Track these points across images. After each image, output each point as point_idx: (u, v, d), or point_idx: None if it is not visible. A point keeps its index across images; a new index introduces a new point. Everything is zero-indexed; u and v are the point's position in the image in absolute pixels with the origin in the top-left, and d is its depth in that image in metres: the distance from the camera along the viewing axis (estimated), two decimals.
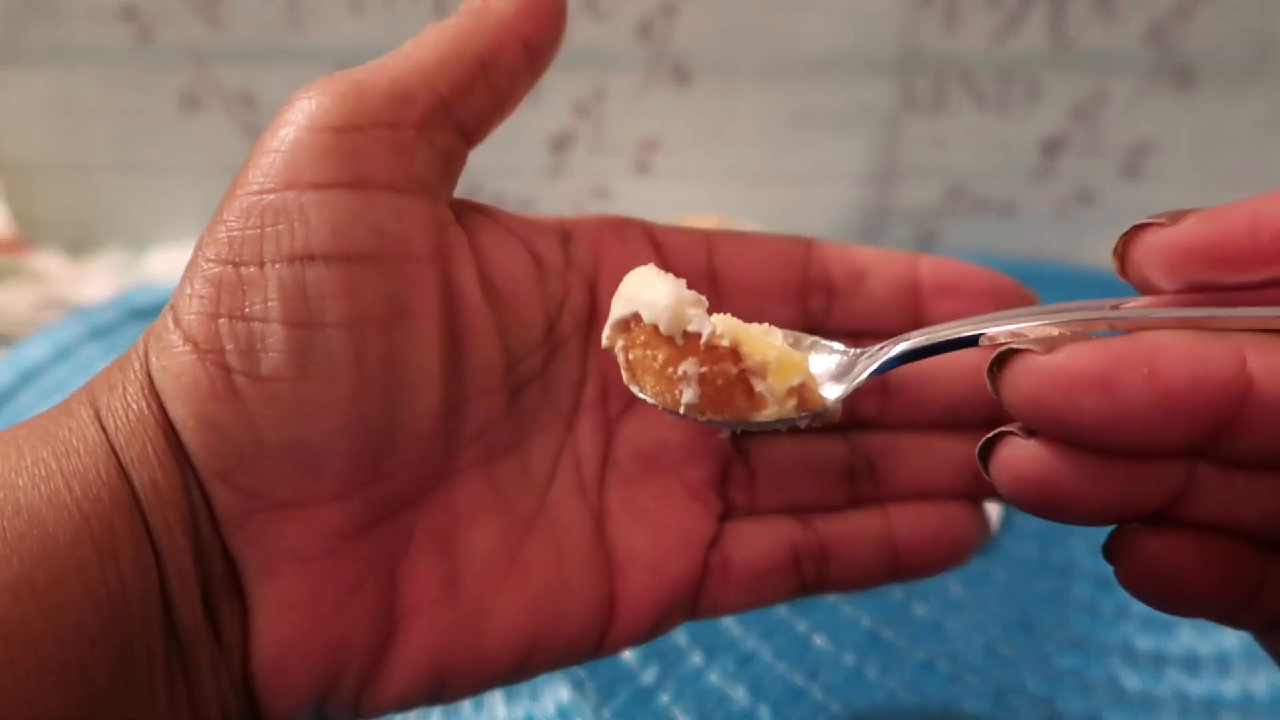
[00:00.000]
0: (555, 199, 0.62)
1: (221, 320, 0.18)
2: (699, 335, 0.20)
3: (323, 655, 0.20)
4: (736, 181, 0.62)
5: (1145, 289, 0.19)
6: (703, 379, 0.20)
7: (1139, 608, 0.36)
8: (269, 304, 0.18)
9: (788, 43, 0.57)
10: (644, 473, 0.24)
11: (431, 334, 0.20)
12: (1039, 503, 0.17)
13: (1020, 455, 0.17)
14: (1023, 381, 0.16)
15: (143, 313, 0.53)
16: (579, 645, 0.23)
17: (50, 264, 0.60)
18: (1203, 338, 0.16)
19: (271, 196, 0.19)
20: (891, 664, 0.33)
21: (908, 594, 0.36)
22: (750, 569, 0.24)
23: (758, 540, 0.24)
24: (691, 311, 0.20)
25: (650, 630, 0.24)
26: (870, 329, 0.26)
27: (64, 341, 0.50)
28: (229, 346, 0.18)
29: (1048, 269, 0.62)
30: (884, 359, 0.21)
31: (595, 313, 0.24)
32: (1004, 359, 0.17)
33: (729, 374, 0.20)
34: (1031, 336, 0.17)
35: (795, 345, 0.23)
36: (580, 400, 0.24)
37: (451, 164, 0.21)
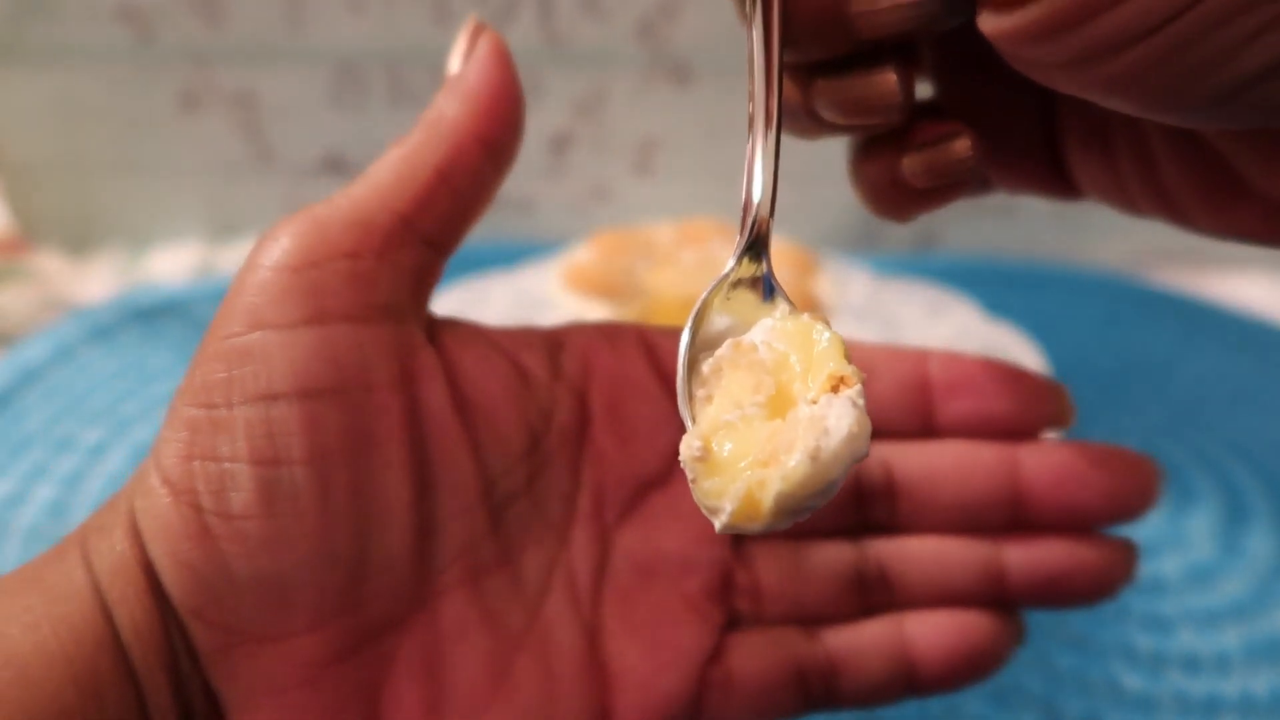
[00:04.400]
0: (555, 199, 0.62)
1: (195, 462, 0.19)
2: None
3: None
4: (736, 181, 0.62)
5: None
6: None
7: (1139, 607, 0.36)
8: (237, 444, 0.19)
9: None
10: (641, 584, 0.24)
11: (399, 460, 0.20)
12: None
13: None
14: None
15: (143, 313, 0.53)
16: None
17: (50, 264, 0.60)
18: None
19: (238, 340, 0.19)
20: None
21: None
22: (753, 684, 0.23)
23: (761, 654, 0.24)
24: (861, 408, 0.18)
25: None
26: (875, 430, 0.25)
27: (64, 341, 0.50)
28: (201, 488, 0.19)
29: (1048, 269, 0.62)
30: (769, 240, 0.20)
31: (585, 424, 0.24)
32: None
33: None
34: None
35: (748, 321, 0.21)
36: (573, 512, 0.23)
37: (424, 278, 0.22)
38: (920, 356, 0.25)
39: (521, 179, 0.61)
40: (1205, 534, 0.40)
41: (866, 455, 0.18)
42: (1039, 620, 0.35)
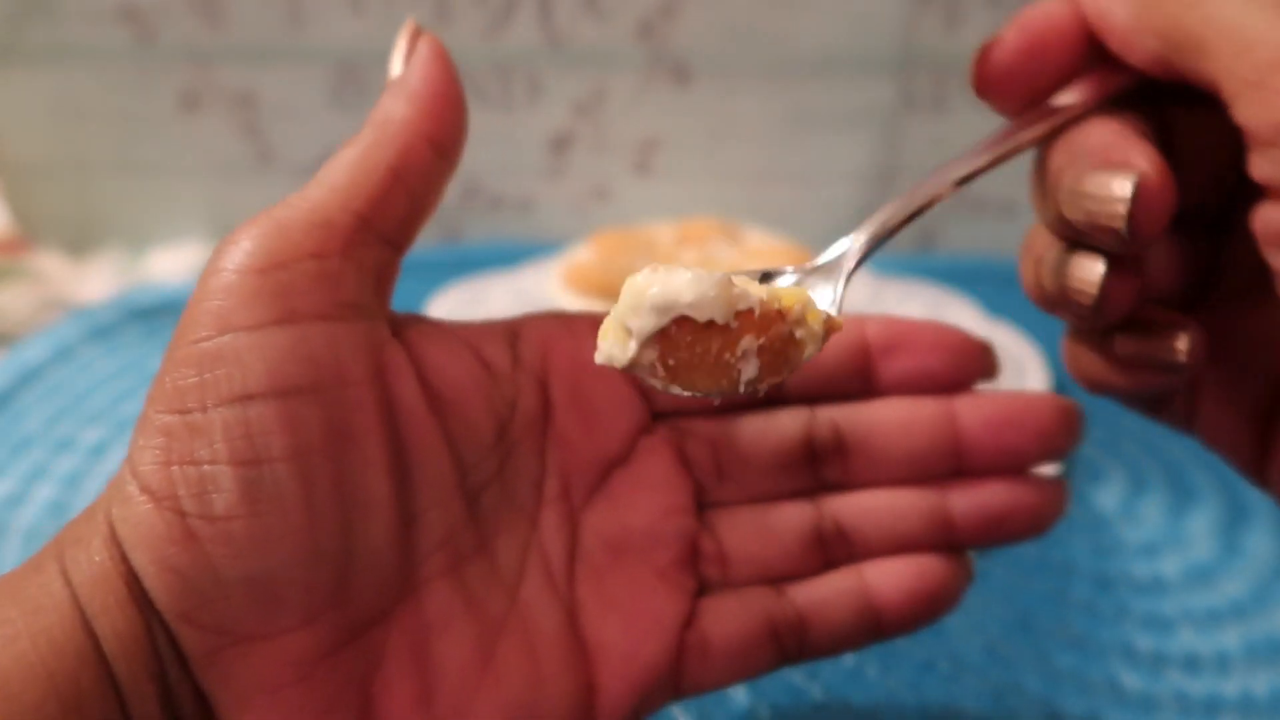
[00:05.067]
0: (555, 199, 0.62)
1: (174, 468, 0.19)
2: (750, 311, 0.20)
3: None
4: (736, 181, 0.62)
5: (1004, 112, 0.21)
6: (761, 349, 0.20)
7: (1139, 607, 0.36)
8: (216, 447, 0.19)
9: (788, 43, 0.57)
10: (612, 560, 0.24)
11: (377, 454, 0.20)
12: None
13: None
14: None
15: (143, 313, 0.53)
16: None
17: (50, 264, 0.60)
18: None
19: (208, 344, 0.19)
20: (891, 664, 0.33)
21: None
22: (728, 645, 0.25)
23: (733, 615, 0.25)
24: (738, 291, 0.19)
25: (632, 717, 0.24)
26: (821, 394, 0.26)
27: (64, 341, 0.50)
28: (182, 492, 0.19)
29: None
30: (858, 255, 0.22)
31: (548, 410, 0.24)
32: None
33: (782, 334, 0.20)
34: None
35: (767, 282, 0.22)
36: (542, 496, 0.24)
37: (384, 276, 0.22)
38: (858, 322, 0.26)
39: (521, 179, 0.61)
40: (1205, 534, 0.40)
41: (706, 312, 0.19)
42: (1039, 620, 0.35)
